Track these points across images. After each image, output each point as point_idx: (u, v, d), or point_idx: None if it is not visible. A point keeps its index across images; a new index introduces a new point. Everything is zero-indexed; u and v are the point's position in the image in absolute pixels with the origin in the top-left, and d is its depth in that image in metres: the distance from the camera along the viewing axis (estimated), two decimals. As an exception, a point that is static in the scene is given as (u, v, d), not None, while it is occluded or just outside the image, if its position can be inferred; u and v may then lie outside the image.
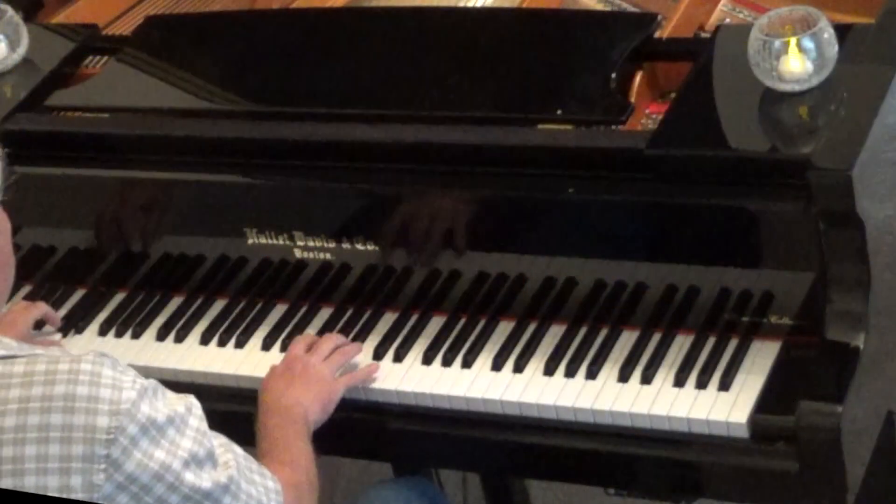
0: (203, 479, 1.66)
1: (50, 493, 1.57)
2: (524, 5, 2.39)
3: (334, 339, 2.14)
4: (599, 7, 2.38)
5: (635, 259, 2.07)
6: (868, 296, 1.91)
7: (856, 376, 1.88)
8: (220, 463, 1.69)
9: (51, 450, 1.58)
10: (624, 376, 2.01)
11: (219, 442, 1.73)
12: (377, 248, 2.18)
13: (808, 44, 1.97)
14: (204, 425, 1.70)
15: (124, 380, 1.62)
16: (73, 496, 1.58)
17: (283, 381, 2.05)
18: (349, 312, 2.22)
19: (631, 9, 2.36)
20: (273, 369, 2.09)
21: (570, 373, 2.04)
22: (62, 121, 2.41)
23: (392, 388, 2.09)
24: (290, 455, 1.92)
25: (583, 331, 2.09)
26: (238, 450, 1.76)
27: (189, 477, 1.64)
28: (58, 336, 2.28)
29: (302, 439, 1.96)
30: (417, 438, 2.12)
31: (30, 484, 1.57)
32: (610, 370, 2.03)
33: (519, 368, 2.06)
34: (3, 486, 1.57)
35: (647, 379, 2.00)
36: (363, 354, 2.14)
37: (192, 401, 1.71)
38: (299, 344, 2.13)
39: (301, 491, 1.86)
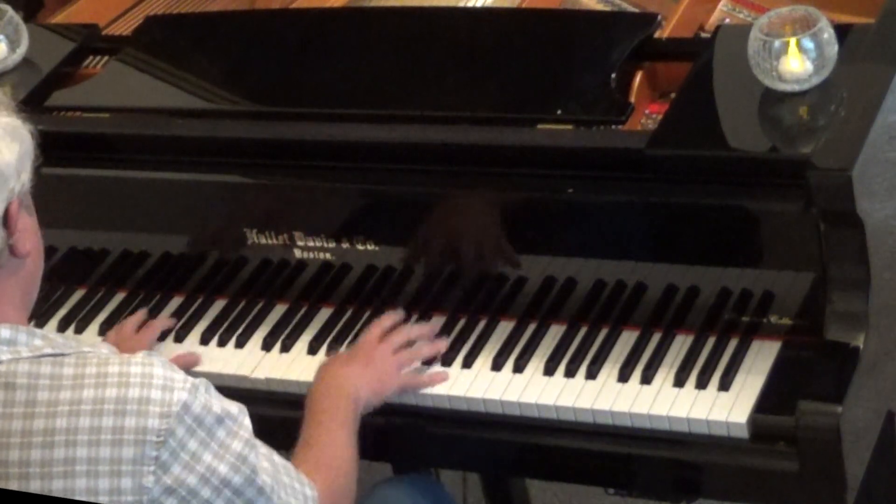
0: (247, 484, 1.65)
1: (101, 496, 1.58)
2: (524, 5, 2.40)
3: (412, 331, 2.11)
4: (599, 7, 2.38)
5: (635, 259, 2.07)
6: (868, 296, 1.91)
7: (856, 376, 1.88)
8: (260, 469, 1.68)
9: (101, 452, 1.58)
10: (624, 376, 2.01)
11: (261, 452, 1.72)
12: (377, 248, 2.18)
13: (808, 44, 1.97)
14: (251, 427, 1.70)
15: (176, 378, 1.62)
16: (124, 499, 1.58)
17: (342, 360, 2.05)
18: (349, 312, 2.22)
19: (631, 9, 2.36)
20: (339, 353, 2.11)
21: (570, 373, 2.04)
22: (62, 121, 2.41)
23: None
24: (332, 452, 1.90)
25: (583, 331, 2.09)
26: (277, 458, 1.75)
27: (236, 480, 1.65)
28: None
29: (347, 427, 1.94)
30: (417, 438, 2.12)
31: (81, 486, 1.58)
32: (610, 370, 2.03)
33: (519, 368, 2.06)
34: (55, 489, 1.58)
35: (647, 379, 2.00)
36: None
37: (242, 405, 1.71)
38: (375, 329, 2.11)
39: (336, 497, 1.84)
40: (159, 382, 1.61)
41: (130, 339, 2.20)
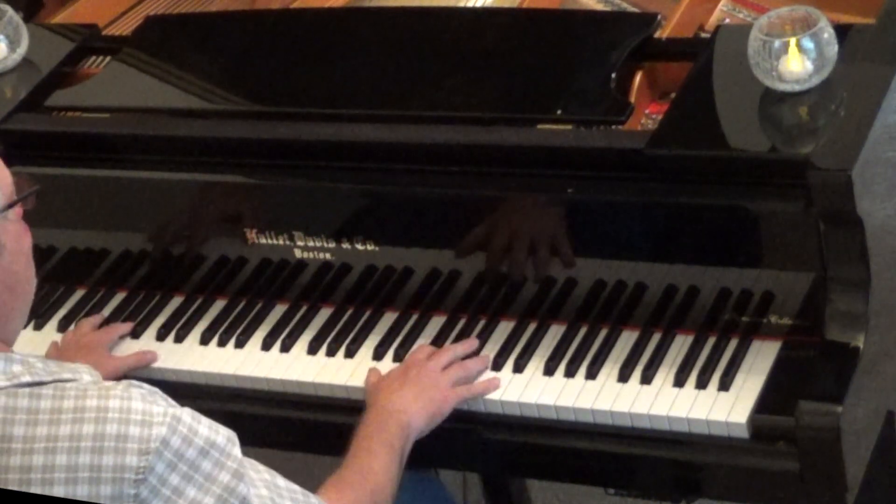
0: None
1: None
2: (524, 5, 2.40)
3: (457, 349, 2.09)
4: (599, 7, 2.38)
5: (635, 259, 2.07)
6: (868, 296, 1.91)
7: (856, 376, 1.88)
8: (252, 499, 1.63)
9: (79, 490, 1.55)
10: (624, 376, 2.01)
11: (259, 477, 1.67)
12: (377, 248, 2.18)
13: (808, 44, 1.97)
14: (240, 456, 1.64)
15: (155, 412, 1.58)
16: None
17: (396, 384, 2.02)
18: (349, 312, 2.22)
19: (631, 9, 2.36)
20: (389, 371, 2.07)
21: (570, 373, 2.04)
22: (62, 121, 2.41)
23: (392, 388, 2.09)
24: (368, 469, 1.87)
25: (583, 331, 2.09)
26: (281, 482, 1.70)
27: None
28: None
29: (391, 450, 1.91)
30: (417, 438, 2.12)
31: None
32: (610, 370, 2.03)
33: (519, 368, 2.07)
34: None
35: (646, 379, 2.00)
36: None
37: (231, 432, 1.65)
38: (422, 350, 2.09)
39: None
40: (137, 418, 1.57)
41: (87, 335, 2.20)
